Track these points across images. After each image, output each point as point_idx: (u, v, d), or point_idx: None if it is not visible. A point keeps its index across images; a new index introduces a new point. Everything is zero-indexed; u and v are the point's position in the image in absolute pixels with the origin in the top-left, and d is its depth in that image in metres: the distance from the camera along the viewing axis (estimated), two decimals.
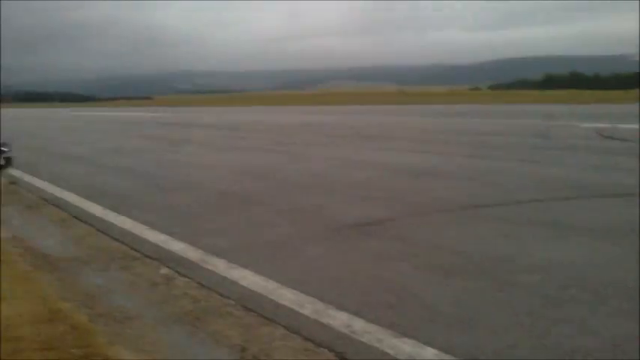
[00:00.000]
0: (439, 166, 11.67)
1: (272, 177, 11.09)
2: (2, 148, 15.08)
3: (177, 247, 6.40)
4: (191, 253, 6.14)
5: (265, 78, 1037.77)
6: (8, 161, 15.21)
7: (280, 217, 7.59)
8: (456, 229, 6.75)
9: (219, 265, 5.65)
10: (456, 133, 18.57)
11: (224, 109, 53.41)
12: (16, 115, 66.23)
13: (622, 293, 4.34)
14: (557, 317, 3.92)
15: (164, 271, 5.62)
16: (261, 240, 6.51)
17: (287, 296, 4.61)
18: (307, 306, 4.36)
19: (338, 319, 4.04)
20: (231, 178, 11.31)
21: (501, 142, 16.24)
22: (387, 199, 8.60)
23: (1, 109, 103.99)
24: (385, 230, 6.73)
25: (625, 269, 4.97)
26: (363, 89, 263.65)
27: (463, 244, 6.00)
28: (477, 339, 3.62)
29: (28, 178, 12.85)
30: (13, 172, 14.15)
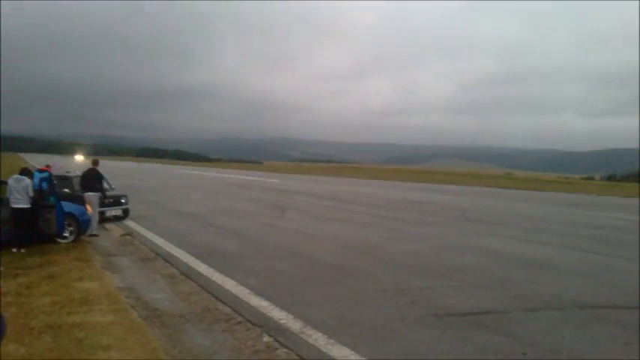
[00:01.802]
0: (550, 258, 11.08)
1: (375, 253, 11.14)
2: (121, 200, 16.50)
3: (278, 315, 6.62)
4: (292, 322, 6.32)
5: (372, 150, 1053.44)
6: (125, 213, 16.58)
7: (383, 296, 7.60)
8: (569, 329, 6.36)
9: (320, 340, 5.76)
10: (567, 224, 17.54)
11: (330, 179, 54.66)
12: (134, 168, 72.06)
13: None
14: None
15: (266, 339, 5.81)
16: (362, 318, 6.55)
17: None
18: None
19: None
20: (333, 249, 11.51)
21: (617, 238, 15.18)
22: (495, 288, 8.31)
23: (123, 162, 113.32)
24: (493, 322, 6.51)
25: None
26: (468, 169, 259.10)
27: (579, 348, 5.67)
28: None
29: (142, 230, 13.86)
30: (129, 223, 15.37)
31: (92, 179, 13.90)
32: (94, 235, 12.83)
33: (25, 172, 11.28)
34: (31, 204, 11.08)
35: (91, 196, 13.53)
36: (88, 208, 13.54)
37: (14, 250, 10.41)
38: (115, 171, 52.50)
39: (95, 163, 14.32)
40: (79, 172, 19.60)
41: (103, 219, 15.29)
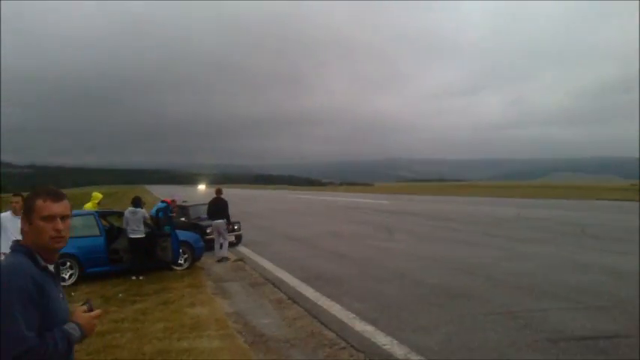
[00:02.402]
0: None
1: (484, 273, 10.57)
2: (234, 227, 17.13)
3: (383, 340, 6.47)
4: (397, 348, 6.14)
5: (485, 167, 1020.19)
6: (238, 239, 17.18)
7: (491, 320, 7.17)
8: None
9: None
10: None
11: (441, 199, 53.40)
12: (248, 195, 74.85)
13: None
14: None
15: None
16: (470, 343, 6.21)
17: None
18: None
19: None
20: (440, 271, 11.10)
21: None
22: (616, 310, 7.53)
23: (238, 189, 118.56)
24: (613, 348, 5.88)
25: None
26: (588, 182, 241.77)
27: None
28: None
29: (253, 256, 14.27)
30: (241, 249, 15.90)
31: (218, 207, 14.67)
32: (226, 259, 13.51)
33: (137, 201, 12.02)
34: (147, 233, 11.82)
35: (219, 224, 14.23)
36: (214, 234, 14.24)
37: (134, 277, 11.12)
38: (230, 198, 54.86)
39: (219, 192, 15.27)
40: (194, 202, 20.69)
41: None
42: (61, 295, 2.30)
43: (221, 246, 14.19)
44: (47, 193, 2.30)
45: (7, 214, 7.74)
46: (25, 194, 7.03)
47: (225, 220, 14.48)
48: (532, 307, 7.84)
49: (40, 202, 2.27)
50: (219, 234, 14.17)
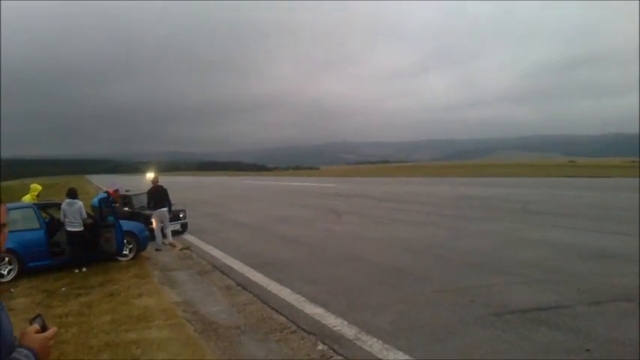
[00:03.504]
0: (617, 248, 10.26)
1: (432, 252, 10.85)
2: (179, 215, 16.87)
3: (333, 322, 6.54)
4: (347, 329, 6.21)
5: (431, 148, 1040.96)
6: (184, 227, 16.95)
7: (440, 297, 7.37)
8: (638, 321, 5.92)
9: (375, 345, 5.64)
10: (634, 211, 16.22)
11: (387, 180, 54.18)
12: (193, 182, 73.80)
13: None
14: None
15: (320, 347, 5.74)
16: (419, 321, 6.36)
17: None
18: None
19: None
20: (389, 251, 11.30)
21: None
22: (558, 282, 7.86)
23: (183, 177, 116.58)
24: (556, 318, 6.15)
25: None
26: (530, 160, 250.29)
27: None
28: None
29: (200, 243, 14.11)
30: (188, 237, 15.68)
31: (158, 195, 14.62)
32: (172, 245, 13.44)
33: (72, 193, 11.58)
34: (90, 224, 11.48)
35: (162, 212, 14.10)
36: (154, 223, 14.05)
37: (76, 270, 10.80)
38: (175, 186, 53.93)
39: (156, 180, 15.14)
40: (138, 191, 20.23)
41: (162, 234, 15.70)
42: (3, 313, 1.79)
43: (164, 235, 14.04)
44: None
45: None
46: None
47: (167, 208, 14.46)
48: (479, 283, 8.08)
49: None
50: (161, 222, 14.06)
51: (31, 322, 1.89)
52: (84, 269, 10.89)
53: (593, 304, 6.66)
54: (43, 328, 1.88)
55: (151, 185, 14.93)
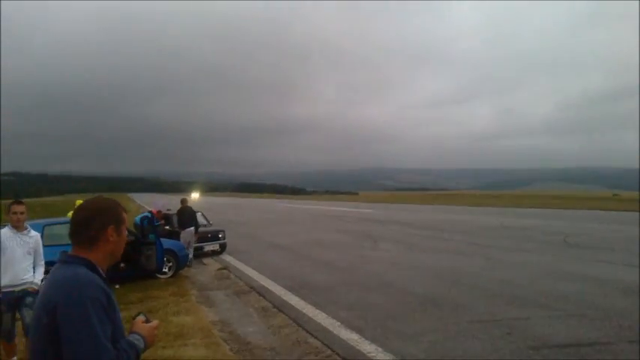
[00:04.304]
0: None
1: (469, 282, 10.66)
2: (218, 235, 17.09)
3: (368, 348, 6.50)
4: (381, 356, 6.18)
5: (472, 177, 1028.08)
6: (223, 247, 17.14)
7: (476, 328, 7.24)
8: None
9: None
10: None
11: (426, 208, 53.72)
12: (232, 203, 74.56)
13: None
14: None
15: None
16: (454, 351, 6.26)
17: None
18: None
19: None
20: (425, 279, 11.17)
21: None
22: (597, 318, 7.62)
23: (223, 197, 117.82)
24: (595, 354, 5.96)
25: None
26: (572, 192, 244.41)
27: None
28: None
29: (238, 264, 14.23)
30: (226, 257, 15.85)
31: (186, 216, 15.29)
32: (187, 266, 13.62)
33: None
34: (131, 241, 11.74)
35: (189, 232, 14.54)
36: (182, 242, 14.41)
37: (117, 286, 11.03)
38: (215, 207, 54.62)
39: (184, 201, 15.87)
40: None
41: (201, 254, 15.95)
42: (117, 307, 2.23)
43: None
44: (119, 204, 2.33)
45: (6, 230, 5.93)
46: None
47: (193, 228, 15.08)
48: (515, 315, 7.92)
49: (124, 214, 2.29)
50: (187, 242, 14.42)
51: (134, 317, 2.33)
52: (117, 286, 11.05)
53: (634, 342, 6.45)
54: (148, 321, 2.31)
55: (180, 206, 15.67)
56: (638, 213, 37.40)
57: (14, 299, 5.80)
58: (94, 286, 2.03)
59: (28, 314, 5.73)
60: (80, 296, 1.97)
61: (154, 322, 2.32)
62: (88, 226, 2.19)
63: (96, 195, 2.39)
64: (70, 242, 2.21)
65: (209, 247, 16.52)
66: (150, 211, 15.56)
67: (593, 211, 40.41)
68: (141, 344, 2.17)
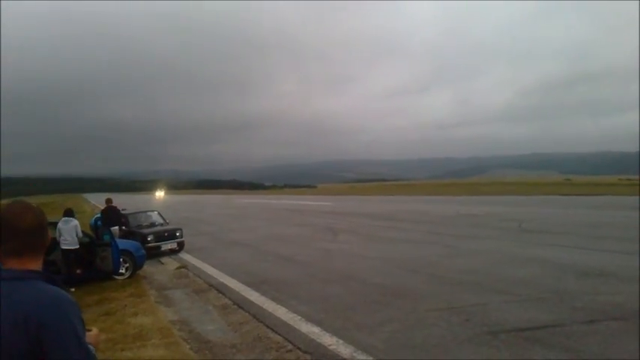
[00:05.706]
0: (610, 266, 10.25)
1: (426, 271, 10.86)
2: (176, 234, 16.88)
3: (329, 340, 6.55)
4: (342, 348, 6.22)
5: (427, 166, 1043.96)
6: (181, 246, 16.93)
7: (435, 316, 7.39)
8: (631, 339, 5.92)
9: None
10: (628, 229, 16.17)
11: (384, 198, 54.29)
12: (191, 200, 73.68)
13: None
14: None
15: None
16: (413, 340, 6.38)
17: None
18: None
19: None
20: (385, 270, 11.31)
21: None
22: (553, 301, 7.90)
23: (183, 195, 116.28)
24: (551, 337, 6.18)
25: None
26: (526, 178, 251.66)
27: None
28: None
29: (196, 262, 14.09)
30: (184, 256, 15.67)
31: (111, 215, 16.13)
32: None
33: (69, 212, 11.68)
34: (86, 243, 11.50)
35: (113, 231, 14.60)
36: None
37: (72, 289, 10.78)
38: (173, 205, 53.87)
39: (109, 201, 16.81)
40: (134, 210, 20.33)
41: (159, 253, 15.73)
42: None
43: None
44: None
45: None
46: None
47: (118, 227, 15.86)
48: (474, 301, 8.11)
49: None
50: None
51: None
52: (72, 289, 10.79)
53: (587, 323, 6.70)
54: (88, 330, 2.19)
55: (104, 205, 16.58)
56: (589, 197, 38.73)
57: None
58: (75, 304, 1.94)
59: None
60: (68, 316, 1.86)
61: (95, 330, 2.25)
62: (43, 234, 2.03)
63: (16, 200, 2.20)
64: None
65: (167, 246, 16.28)
66: (101, 212, 15.39)
67: (547, 196, 41.63)
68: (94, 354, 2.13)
